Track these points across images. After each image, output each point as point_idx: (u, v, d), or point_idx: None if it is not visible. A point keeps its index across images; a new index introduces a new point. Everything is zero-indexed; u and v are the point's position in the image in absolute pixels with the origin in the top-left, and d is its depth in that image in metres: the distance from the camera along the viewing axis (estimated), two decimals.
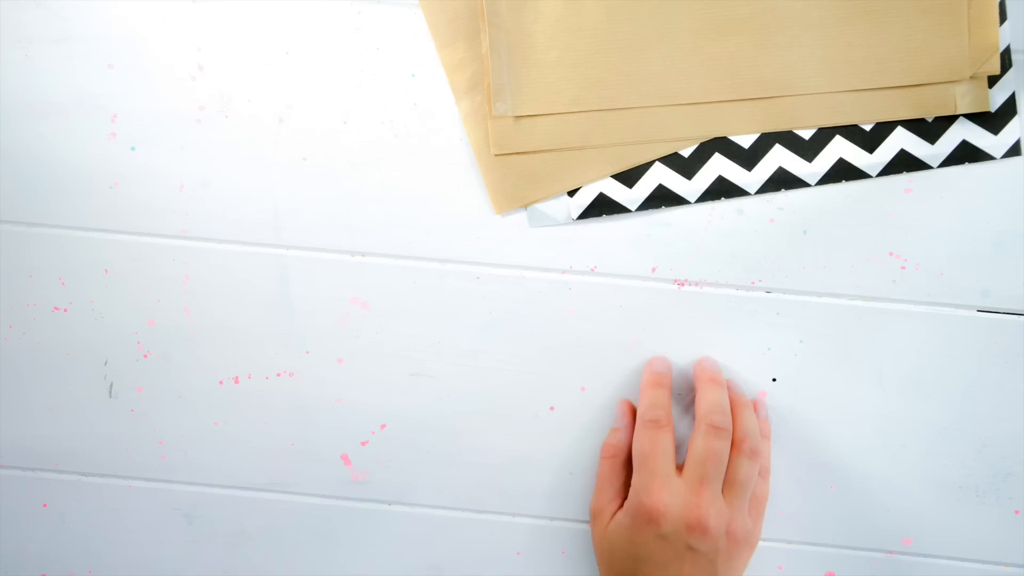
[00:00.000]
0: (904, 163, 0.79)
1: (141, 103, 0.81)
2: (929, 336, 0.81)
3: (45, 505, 0.85)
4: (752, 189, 0.79)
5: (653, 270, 0.81)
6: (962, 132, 0.78)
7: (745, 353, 0.82)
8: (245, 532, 0.85)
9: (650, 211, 0.80)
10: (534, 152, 0.77)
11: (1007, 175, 0.79)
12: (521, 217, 0.81)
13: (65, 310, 0.83)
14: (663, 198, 0.80)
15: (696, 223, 0.81)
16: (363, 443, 0.84)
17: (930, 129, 0.78)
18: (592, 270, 0.82)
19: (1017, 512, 0.82)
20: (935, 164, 0.78)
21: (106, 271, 0.83)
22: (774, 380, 0.82)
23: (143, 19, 0.81)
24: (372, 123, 0.81)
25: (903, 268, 0.80)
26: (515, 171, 0.78)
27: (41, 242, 0.83)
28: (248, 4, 0.80)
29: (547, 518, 0.84)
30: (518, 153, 0.77)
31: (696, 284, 0.81)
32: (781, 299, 0.81)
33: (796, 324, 0.81)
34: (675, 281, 0.82)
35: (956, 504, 0.82)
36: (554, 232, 0.81)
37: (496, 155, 0.77)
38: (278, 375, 0.83)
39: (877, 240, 0.80)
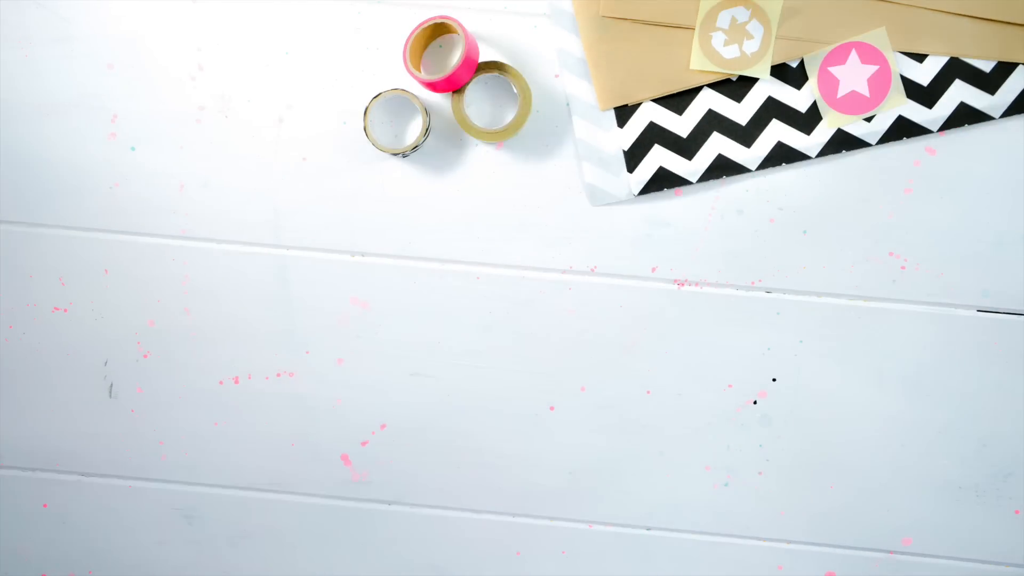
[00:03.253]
0: None
1: (141, 103, 0.81)
2: (929, 336, 0.81)
3: (45, 505, 0.85)
4: (812, 153, 0.80)
5: (653, 270, 0.81)
6: None
7: (745, 353, 0.82)
8: (245, 532, 0.85)
9: (652, 203, 0.81)
10: (638, 21, 0.77)
11: (1007, 176, 0.79)
12: (520, 217, 0.81)
13: (65, 310, 0.83)
14: (724, 167, 0.80)
15: (696, 223, 0.81)
16: (363, 443, 0.84)
17: None
18: (592, 270, 0.81)
19: (1017, 512, 0.82)
20: None
21: (106, 271, 0.83)
22: (774, 380, 0.82)
23: (143, 19, 0.81)
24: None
25: (903, 268, 0.80)
26: (622, 68, 0.78)
27: (41, 242, 0.83)
28: (248, 4, 0.80)
29: (547, 518, 0.84)
30: (623, 19, 0.77)
31: (696, 284, 0.81)
32: (781, 299, 0.81)
33: (796, 324, 0.81)
34: (675, 281, 0.81)
35: (956, 504, 0.82)
36: (554, 232, 0.81)
37: (603, 16, 0.77)
38: (278, 375, 0.83)
39: (877, 240, 0.80)
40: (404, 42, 0.78)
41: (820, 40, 0.79)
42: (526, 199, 0.81)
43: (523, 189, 0.81)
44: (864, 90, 0.79)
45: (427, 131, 0.78)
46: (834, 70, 0.79)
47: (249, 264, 0.82)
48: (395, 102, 0.80)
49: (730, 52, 0.79)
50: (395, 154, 0.77)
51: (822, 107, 0.79)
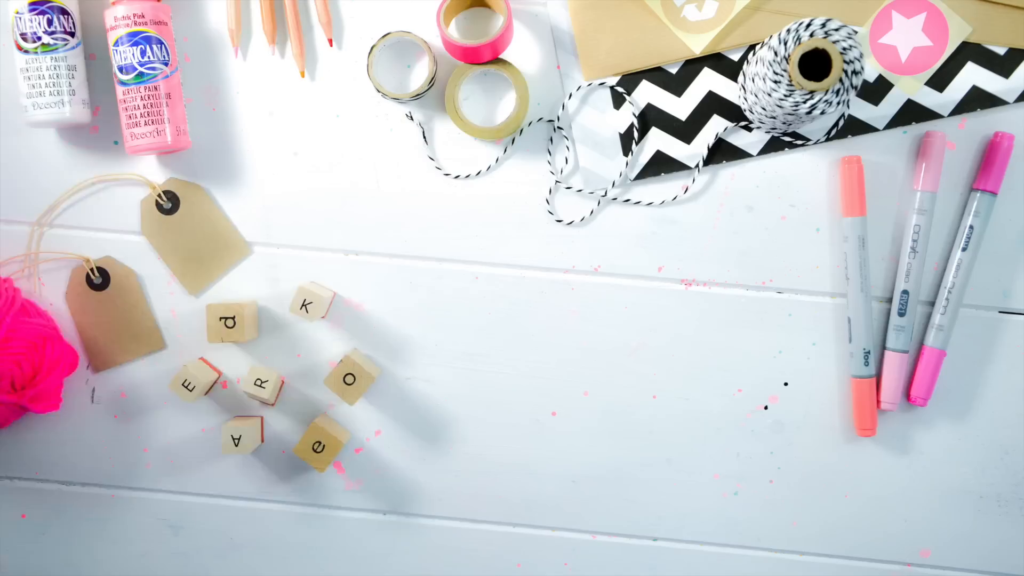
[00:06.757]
0: None
1: None
2: (948, 338, 0.80)
3: (24, 515, 0.84)
4: (817, 136, 0.78)
5: (659, 270, 0.80)
6: None
7: (755, 356, 0.81)
8: (233, 543, 0.84)
9: (657, 202, 0.79)
10: None
11: None
12: (520, 216, 0.80)
13: None
14: (725, 152, 0.79)
15: (704, 220, 0.80)
16: (357, 450, 0.83)
17: None
18: (596, 270, 0.81)
19: None
20: None
21: None
22: (786, 384, 0.81)
23: None
24: (366, 116, 0.80)
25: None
26: (608, 38, 0.78)
27: (40, 242, 0.81)
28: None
29: (549, 528, 0.83)
30: None
31: (704, 284, 0.80)
32: (793, 300, 0.80)
33: (808, 326, 0.80)
34: (682, 281, 0.81)
35: (977, 514, 0.81)
36: (555, 230, 0.80)
37: None
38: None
39: (892, 239, 0.80)
40: (440, 2, 0.77)
41: (792, 13, 0.77)
42: (527, 195, 0.80)
43: (524, 185, 0.80)
44: (924, 40, 0.77)
45: (432, 80, 0.76)
46: (885, 40, 0.77)
47: (241, 262, 0.81)
48: (401, 46, 0.78)
49: (692, 14, 0.78)
50: (397, 99, 0.75)
51: (891, 79, 0.77)
